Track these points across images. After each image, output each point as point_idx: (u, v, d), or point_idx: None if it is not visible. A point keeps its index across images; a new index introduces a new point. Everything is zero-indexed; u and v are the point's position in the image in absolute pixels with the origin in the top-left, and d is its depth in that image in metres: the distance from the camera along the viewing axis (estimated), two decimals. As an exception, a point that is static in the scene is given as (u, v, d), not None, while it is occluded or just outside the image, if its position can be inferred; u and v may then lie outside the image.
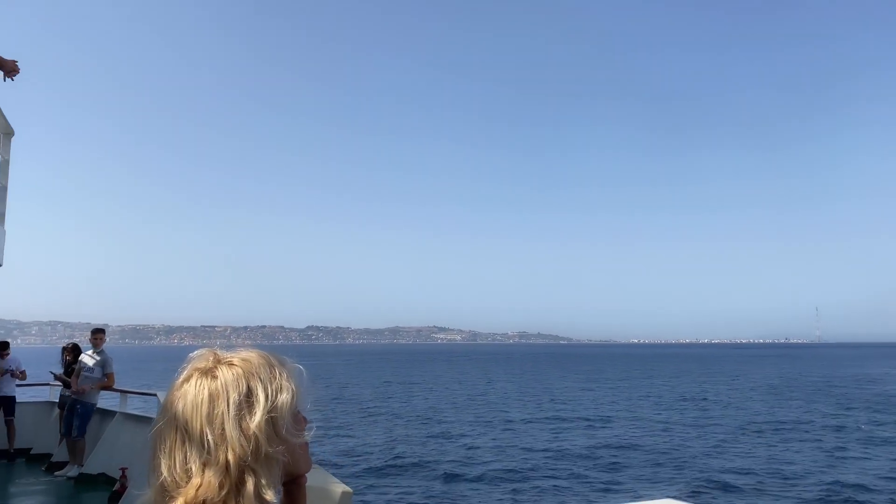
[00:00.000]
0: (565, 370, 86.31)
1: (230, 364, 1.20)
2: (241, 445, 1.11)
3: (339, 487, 2.02)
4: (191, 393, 1.15)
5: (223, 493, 1.09)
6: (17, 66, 6.80)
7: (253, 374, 1.19)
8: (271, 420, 1.16)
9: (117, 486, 8.92)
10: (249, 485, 1.11)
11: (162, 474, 1.12)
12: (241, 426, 1.12)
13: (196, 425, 1.12)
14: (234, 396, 1.14)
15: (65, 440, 10.79)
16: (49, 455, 11.11)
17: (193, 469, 1.11)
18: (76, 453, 10.53)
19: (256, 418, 1.14)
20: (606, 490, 17.83)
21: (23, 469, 10.98)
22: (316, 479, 2.19)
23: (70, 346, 12.00)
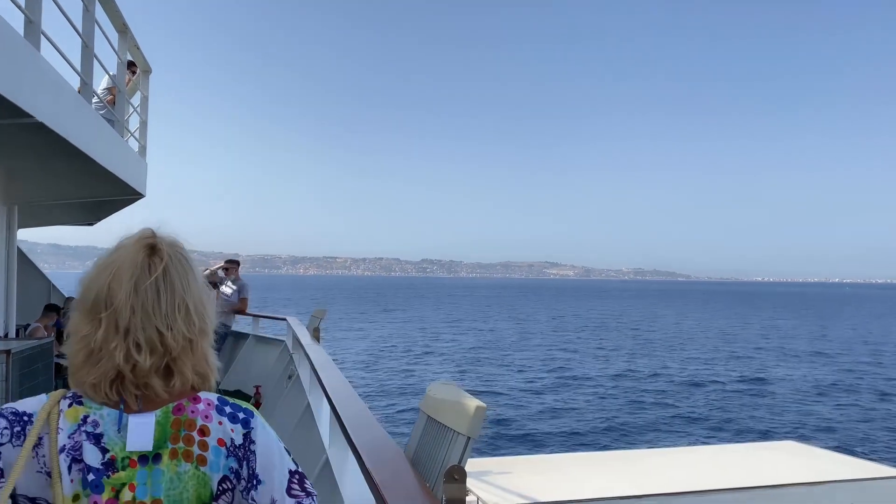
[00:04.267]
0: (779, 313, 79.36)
1: (171, 244, 1.33)
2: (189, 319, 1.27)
3: (473, 402, 2.03)
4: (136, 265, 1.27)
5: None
6: None
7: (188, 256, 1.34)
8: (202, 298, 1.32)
9: (252, 402, 9.54)
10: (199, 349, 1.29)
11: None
12: (186, 300, 1.27)
13: (152, 295, 1.24)
14: (180, 270, 1.29)
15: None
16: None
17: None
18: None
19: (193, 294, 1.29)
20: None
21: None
22: (449, 393, 2.23)
23: (208, 273, 12.79)
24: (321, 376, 4.06)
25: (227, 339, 11.57)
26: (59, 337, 10.43)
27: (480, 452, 12.95)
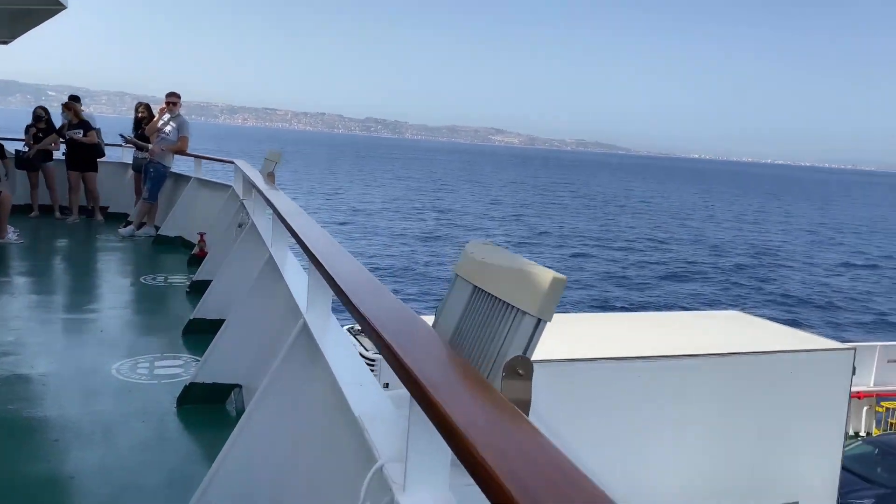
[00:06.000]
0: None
1: None
2: None
3: (547, 273, 1.47)
4: None
5: None
6: None
7: None
8: None
9: (196, 249, 8.81)
10: None
11: None
12: None
13: None
14: None
15: (140, 202, 10.70)
16: (126, 215, 11.11)
17: None
18: (151, 215, 10.46)
19: None
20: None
21: (102, 226, 11.05)
22: (502, 258, 1.71)
23: (143, 105, 11.58)
24: (292, 224, 3.33)
25: (167, 181, 10.63)
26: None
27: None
